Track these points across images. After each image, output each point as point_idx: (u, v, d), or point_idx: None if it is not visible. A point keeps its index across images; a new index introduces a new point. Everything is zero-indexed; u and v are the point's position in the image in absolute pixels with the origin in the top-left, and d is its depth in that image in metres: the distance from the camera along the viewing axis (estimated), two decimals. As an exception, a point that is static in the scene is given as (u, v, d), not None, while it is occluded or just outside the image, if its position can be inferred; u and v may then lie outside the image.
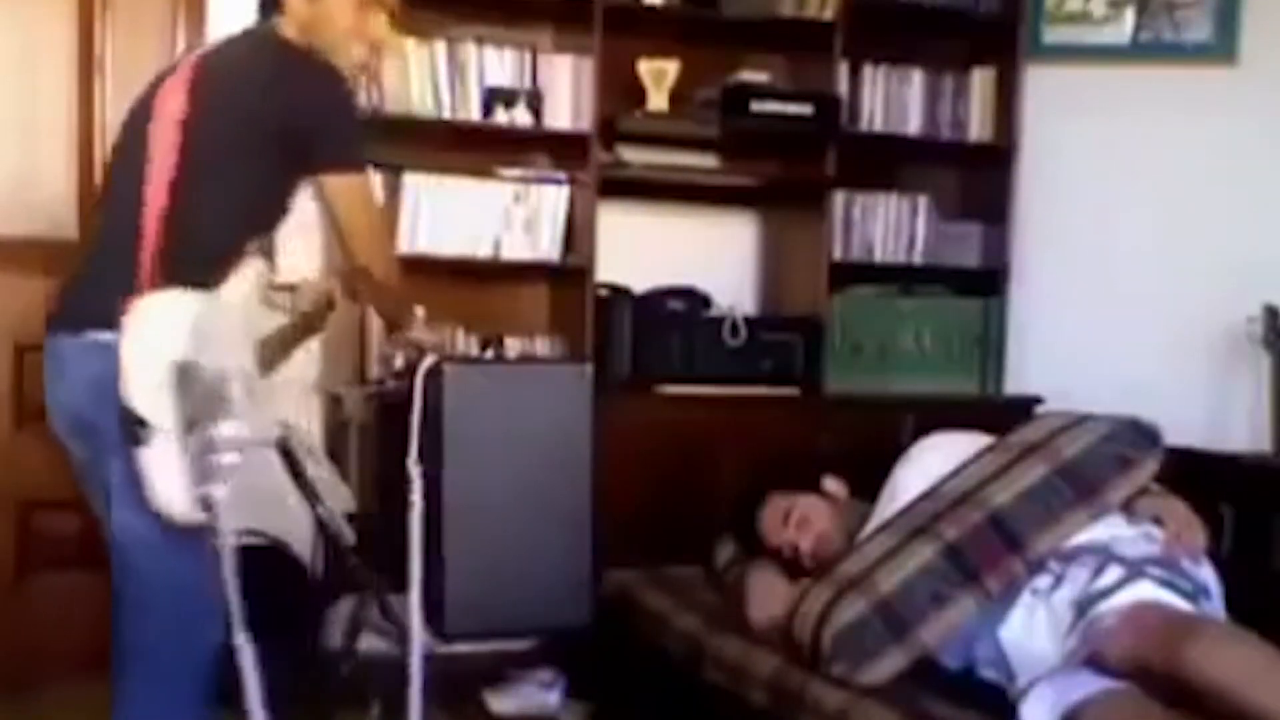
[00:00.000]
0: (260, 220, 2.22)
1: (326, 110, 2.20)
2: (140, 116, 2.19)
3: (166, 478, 2.01)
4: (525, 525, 2.90)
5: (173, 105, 2.14)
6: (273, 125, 2.13)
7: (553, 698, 3.21)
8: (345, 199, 2.24)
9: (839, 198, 4.02)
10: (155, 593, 2.14)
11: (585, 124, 3.72)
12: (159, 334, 2.02)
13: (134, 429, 1.99)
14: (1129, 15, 4.15)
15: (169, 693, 2.16)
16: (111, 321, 2.03)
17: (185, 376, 2.01)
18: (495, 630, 2.89)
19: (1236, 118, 4.04)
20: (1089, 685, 2.08)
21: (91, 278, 2.18)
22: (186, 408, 2.01)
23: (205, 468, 2.03)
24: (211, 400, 2.04)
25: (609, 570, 3.14)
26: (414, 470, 2.45)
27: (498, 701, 3.20)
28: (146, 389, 2.00)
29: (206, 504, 2.04)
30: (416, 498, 2.44)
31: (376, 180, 2.27)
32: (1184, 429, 2.92)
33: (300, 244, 2.70)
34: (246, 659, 2.12)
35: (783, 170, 4.09)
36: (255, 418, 2.16)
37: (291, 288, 2.60)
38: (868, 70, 4.07)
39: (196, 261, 2.11)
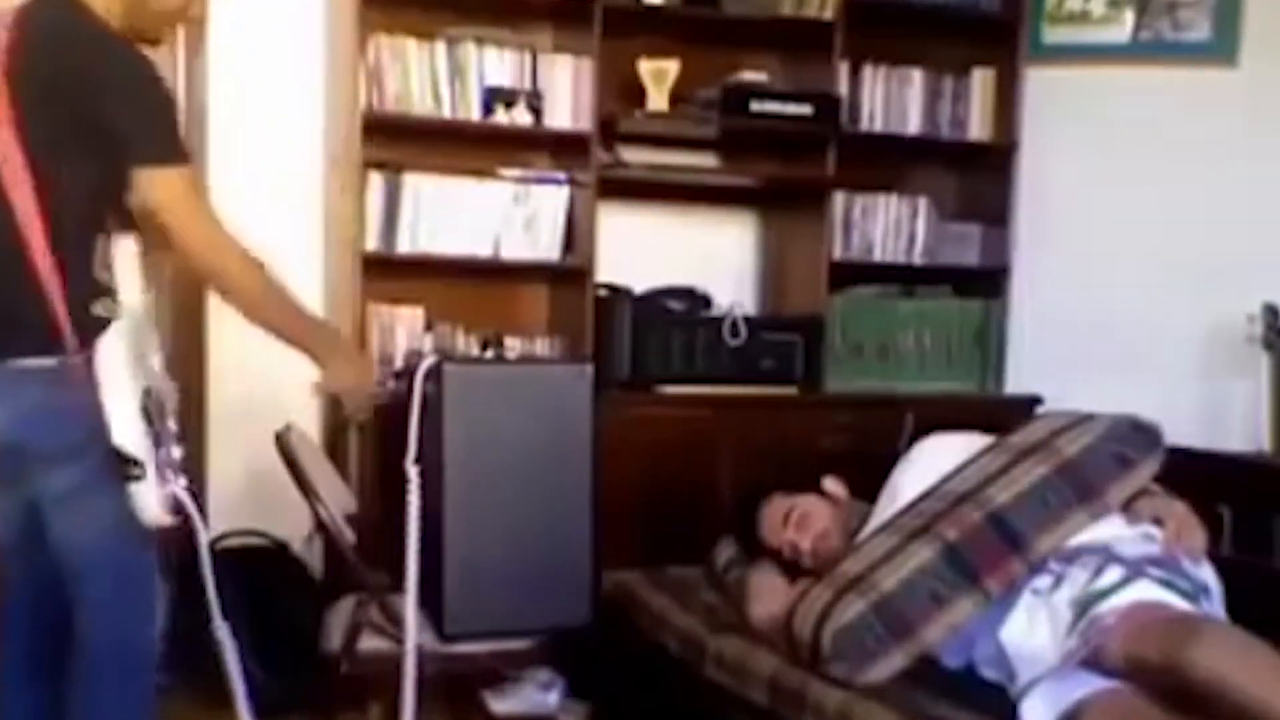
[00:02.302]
0: (102, 224, 2.14)
1: (147, 101, 2.10)
2: None
3: (148, 495, 2.07)
4: (525, 525, 2.90)
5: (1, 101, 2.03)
6: (103, 123, 2.06)
7: (552, 698, 3.21)
8: (168, 195, 2.09)
9: (839, 198, 4.02)
10: (110, 594, 2.16)
11: (585, 124, 3.72)
12: (120, 369, 2.05)
13: (127, 470, 2.04)
14: (1129, 15, 4.14)
15: (131, 683, 2.19)
16: (39, 346, 2.04)
17: (147, 400, 2.08)
18: (495, 630, 2.88)
19: (1236, 118, 4.04)
20: (1089, 685, 2.08)
21: None
22: (152, 431, 2.07)
23: (165, 468, 2.10)
24: (158, 407, 2.11)
25: (609, 570, 3.14)
26: (411, 470, 2.45)
27: (498, 701, 3.20)
28: (127, 427, 2.04)
29: (177, 506, 2.11)
30: (414, 498, 2.45)
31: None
32: (1183, 429, 2.92)
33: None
34: (228, 648, 2.23)
35: (782, 170, 4.09)
36: (173, 396, 2.24)
37: None
38: (868, 70, 4.07)
39: (87, 273, 2.09)
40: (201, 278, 2.20)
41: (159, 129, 2.10)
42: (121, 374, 2.05)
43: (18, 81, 2.03)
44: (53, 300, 2.04)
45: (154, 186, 2.08)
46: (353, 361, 2.46)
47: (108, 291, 2.11)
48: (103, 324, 2.07)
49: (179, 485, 2.12)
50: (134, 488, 2.06)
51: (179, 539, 2.28)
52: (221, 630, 2.25)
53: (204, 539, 2.20)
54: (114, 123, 2.06)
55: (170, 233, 2.11)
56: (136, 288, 2.14)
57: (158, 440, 2.09)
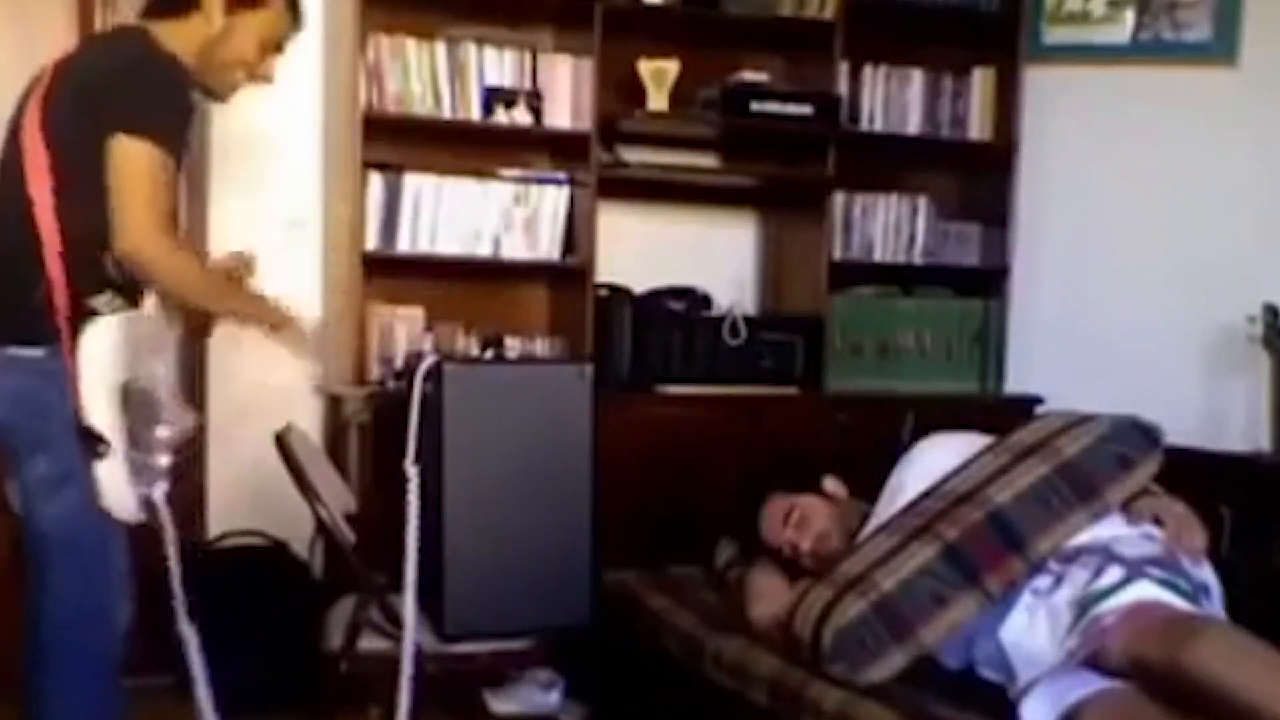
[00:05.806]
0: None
1: (140, 86, 2.14)
2: (13, 128, 2.21)
3: (116, 485, 2.13)
4: (525, 525, 2.89)
5: (35, 113, 2.16)
6: (106, 114, 2.11)
7: (553, 698, 3.21)
8: (124, 165, 2.10)
9: (839, 198, 4.02)
10: (73, 579, 2.21)
11: (585, 124, 3.72)
12: (104, 357, 2.11)
13: (96, 447, 2.10)
14: (1129, 15, 4.14)
15: (87, 673, 2.23)
16: (33, 337, 2.12)
17: (125, 393, 2.13)
18: (495, 630, 2.88)
19: (1236, 118, 4.04)
20: (1088, 685, 2.08)
21: None
22: (127, 421, 2.13)
23: (145, 471, 2.16)
24: (146, 409, 2.16)
25: (609, 570, 3.14)
26: (411, 470, 2.46)
27: (498, 702, 3.20)
28: (100, 410, 2.10)
29: (149, 506, 2.18)
30: (414, 498, 2.45)
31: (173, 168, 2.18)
32: (1184, 429, 2.92)
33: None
34: (192, 648, 2.32)
35: (783, 170, 4.09)
36: (183, 416, 2.27)
37: None
38: (868, 70, 4.07)
39: (95, 269, 2.15)
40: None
41: (135, 104, 2.12)
42: (104, 360, 2.11)
43: (55, 90, 2.15)
44: (56, 293, 2.10)
45: (110, 152, 2.10)
46: (255, 304, 2.44)
47: (114, 288, 2.17)
48: (96, 317, 2.14)
49: (158, 490, 2.18)
50: (102, 477, 2.10)
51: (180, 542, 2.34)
52: (187, 630, 2.33)
53: (173, 545, 2.29)
54: (109, 108, 2.12)
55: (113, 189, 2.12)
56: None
57: (134, 439, 2.13)
